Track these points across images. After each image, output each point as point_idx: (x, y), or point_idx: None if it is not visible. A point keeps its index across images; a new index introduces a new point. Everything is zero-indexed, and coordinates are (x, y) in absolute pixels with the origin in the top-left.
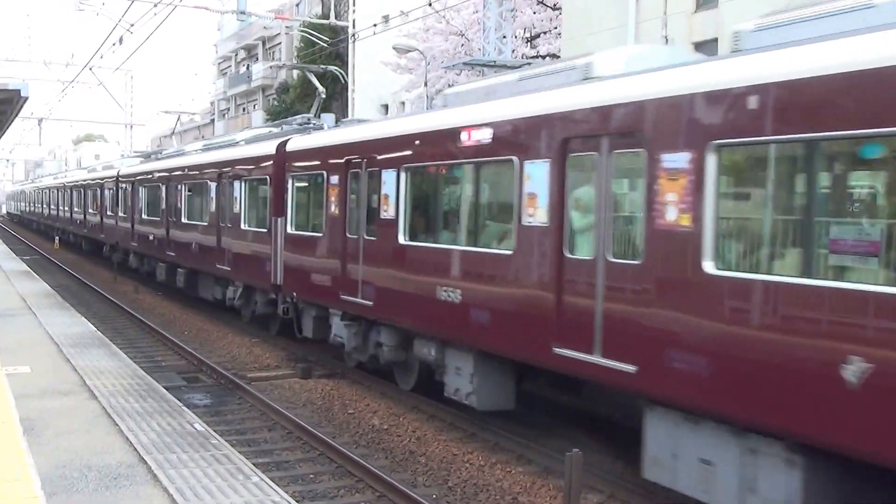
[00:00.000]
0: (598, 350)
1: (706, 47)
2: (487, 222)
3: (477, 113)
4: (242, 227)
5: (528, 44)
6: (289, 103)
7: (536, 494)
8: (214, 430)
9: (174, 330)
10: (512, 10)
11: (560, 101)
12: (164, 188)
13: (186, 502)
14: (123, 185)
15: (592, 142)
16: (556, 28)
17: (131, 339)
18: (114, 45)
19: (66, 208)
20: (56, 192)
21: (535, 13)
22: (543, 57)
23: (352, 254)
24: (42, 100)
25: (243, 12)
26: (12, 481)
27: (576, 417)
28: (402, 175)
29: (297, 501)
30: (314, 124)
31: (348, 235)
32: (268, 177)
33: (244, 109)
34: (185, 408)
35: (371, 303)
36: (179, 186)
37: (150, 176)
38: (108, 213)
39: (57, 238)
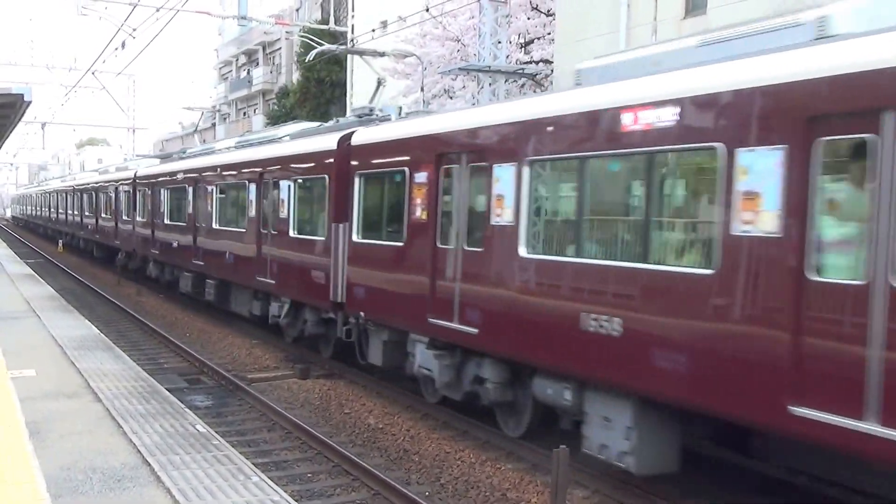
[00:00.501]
0: (872, 416)
1: None
2: (667, 231)
3: (647, 88)
4: (291, 234)
5: (522, 49)
6: (289, 108)
7: (525, 490)
8: (216, 431)
9: (176, 332)
10: (507, 16)
11: (800, 66)
12: (190, 190)
13: (189, 503)
14: (142, 188)
15: (865, 121)
16: (549, 34)
17: (134, 342)
18: (116, 49)
19: (76, 212)
20: (64, 195)
21: (529, 19)
22: (537, 62)
23: (444, 268)
24: (45, 104)
25: (244, 17)
26: (19, 483)
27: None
28: (525, 171)
29: (295, 501)
30: (378, 115)
31: (439, 245)
32: (326, 176)
33: (244, 114)
34: (186, 409)
35: (475, 330)
36: (210, 188)
37: (174, 177)
38: (124, 217)
39: (60, 242)
